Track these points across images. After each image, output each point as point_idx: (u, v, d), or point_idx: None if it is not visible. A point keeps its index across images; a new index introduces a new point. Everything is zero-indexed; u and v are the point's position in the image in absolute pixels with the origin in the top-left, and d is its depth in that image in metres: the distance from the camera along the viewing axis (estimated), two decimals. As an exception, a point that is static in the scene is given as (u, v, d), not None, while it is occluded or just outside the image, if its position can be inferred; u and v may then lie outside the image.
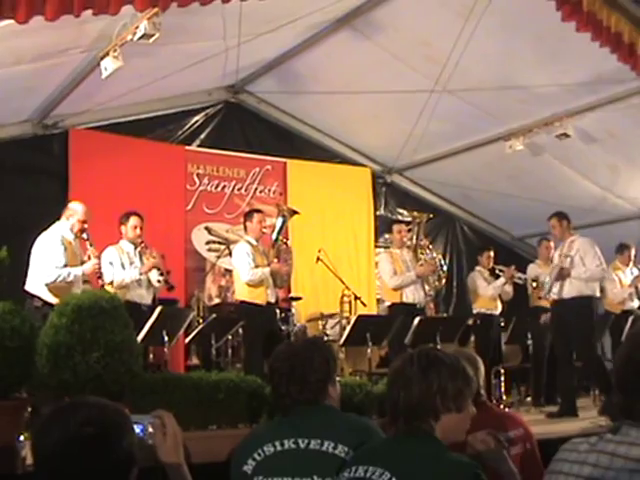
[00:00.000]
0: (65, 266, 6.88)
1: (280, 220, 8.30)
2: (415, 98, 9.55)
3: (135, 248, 7.59)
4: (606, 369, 7.50)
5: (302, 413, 2.96)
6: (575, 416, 7.27)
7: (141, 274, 7.41)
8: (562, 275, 7.84)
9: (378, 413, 4.80)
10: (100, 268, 7.03)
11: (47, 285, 6.79)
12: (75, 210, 7.18)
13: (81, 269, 6.94)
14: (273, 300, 7.81)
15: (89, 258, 7.01)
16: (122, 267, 7.42)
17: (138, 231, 7.55)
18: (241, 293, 7.81)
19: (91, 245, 7.07)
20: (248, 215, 8.15)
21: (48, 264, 6.82)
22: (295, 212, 8.59)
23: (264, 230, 8.02)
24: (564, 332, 7.83)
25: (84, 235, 7.09)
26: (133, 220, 7.57)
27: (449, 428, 2.60)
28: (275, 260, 7.84)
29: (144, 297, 7.45)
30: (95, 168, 9.50)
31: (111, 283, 7.25)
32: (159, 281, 7.52)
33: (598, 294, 7.96)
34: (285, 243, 8.48)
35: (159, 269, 7.46)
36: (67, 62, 8.03)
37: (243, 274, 7.66)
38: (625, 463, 1.74)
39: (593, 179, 10.88)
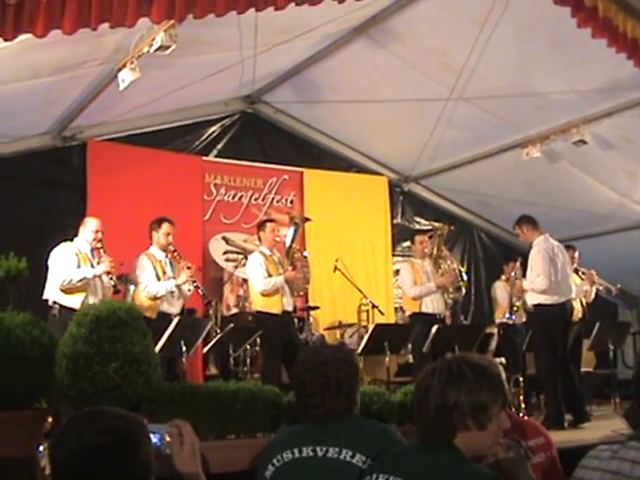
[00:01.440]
0: None
1: (292, 229, 8.31)
2: (431, 106, 9.56)
3: (166, 256, 7.61)
4: (555, 381, 7.41)
5: (325, 421, 2.97)
6: (562, 427, 7.09)
7: (177, 286, 7.44)
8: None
9: (397, 422, 4.77)
10: (112, 269, 7.04)
11: (61, 288, 6.89)
12: (88, 222, 7.33)
13: (92, 271, 7.01)
14: (290, 309, 7.81)
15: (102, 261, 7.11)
16: (157, 278, 7.43)
17: (170, 238, 7.58)
18: (257, 303, 7.84)
19: (105, 252, 7.14)
20: (261, 225, 8.16)
21: (61, 271, 6.93)
22: (307, 219, 8.60)
23: (277, 239, 8.02)
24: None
25: (98, 244, 7.17)
26: (165, 227, 7.58)
27: (469, 445, 2.54)
28: (290, 268, 7.84)
29: (176, 308, 7.47)
30: (113, 179, 9.56)
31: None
32: (190, 290, 7.54)
33: (559, 300, 7.58)
34: (300, 251, 8.47)
35: (195, 282, 7.48)
36: (85, 75, 8.09)
37: (256, 284, 7.69)
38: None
39: (611, 185, 10.82)
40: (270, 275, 7.69)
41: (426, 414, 2.58)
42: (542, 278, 7.47)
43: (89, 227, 7.24)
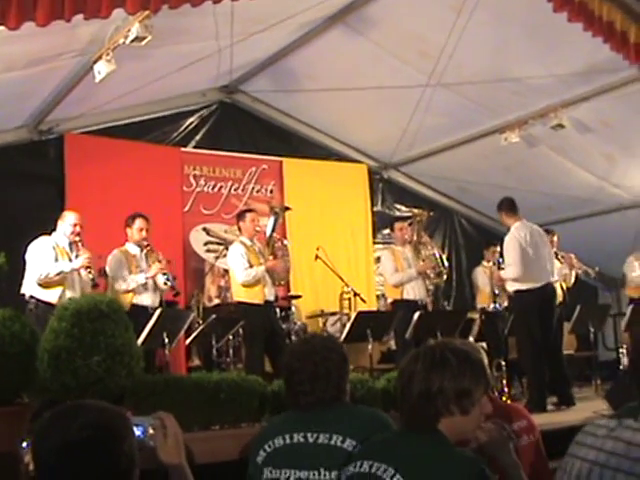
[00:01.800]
0: None
1: (272, 218, 8.25)
2: (410, 93, 9.56)
3: (141, 250, 7.60)
4: (538, 363, 7.45)
5: (315, 409, 3.00)
6: (544, 410, 7.13)
7: (147, 279, 7.43)
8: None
9: (381, 408, 4.79)
10: (90, 263, 7.02)
11: (38, 282, 6.86)
12: (66, 216, 7.29)
13: (70, 264, 6.99)
14: (272, 298, 7.77)
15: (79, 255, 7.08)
16: (128, 272, 7.44)
17: (144, 233, 7.57)
18: (238, 293, 7.78)
19: (83, 246, 7.11)
20: (241, 215, 8.10)
21: (38, 265, 6.90)
22: (287, 208, 8.53)
23: (257, 229, 7.98)
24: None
25: (77, 238, 7.14)
26: (139, 222, 7.58)
27: (453, 430, 2.57)
28: (271, 258, 7.81)
29: (151, 300, 7.45)
30: (91, 172, 9.52)
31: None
32: (165, 283, 7.53)
33: (535, 285, 7.56)
34: (280, 240, 8.43)
35: (165, 274, 7.46)
36: (60, 67, 8.03)
37: (238, 275, 7.64)
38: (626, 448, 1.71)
39: (589, 169, 10.88)
40: (251, 265, 7.65)
41: (410, 400, 2.60)
42: (512, 268, 7.54)
43: (67, 221, 7.22)
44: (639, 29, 7.33)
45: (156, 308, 7.21)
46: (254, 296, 7.64)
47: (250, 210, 8.31)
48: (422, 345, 2.81)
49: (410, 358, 2.68)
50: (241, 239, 7.93)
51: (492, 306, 9.11)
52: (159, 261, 7.46)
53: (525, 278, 7.52)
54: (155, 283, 7.53)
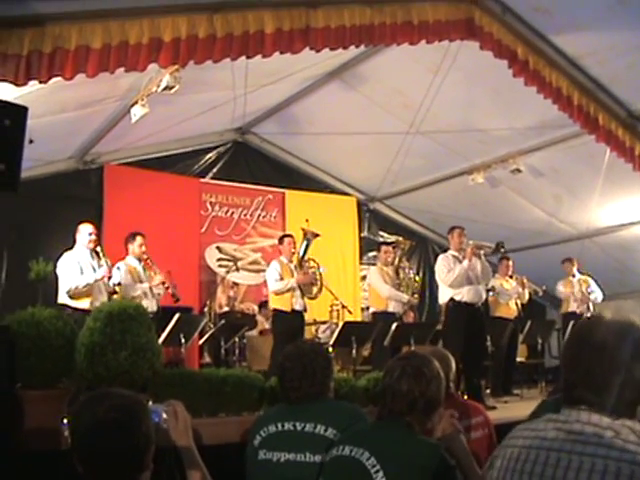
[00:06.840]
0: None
1: (305, 242, 8.18)
2: (393, 138, 9.62)
3: (139, 263, 7.51)
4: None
5: (302, 402, 3.03)
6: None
7: (150, 288, 7.35)
8: None
9: (361, 404, 4.81)
10: (110, 273, 6.91)
11: (68, 294, 6.71)
12: (81, 229, 7.09)
13: (94, 275, 6.79)
14: (299, 308, 7.74)
15: (99, 266, 6.91)
16: (133, 282, 7.32)
17: (143, 248, 7.50)
18: (272, 302, 7.92)
19: (104, 256, 6.92)
20: (281, 240, 8.18)
21: (67, 280, 6.76)
22: (317, 235, 8.45)
23: (293, 251, 8.00)
24: None
25: (92, 245, 6.98)
26: (139, 239, 7.51)
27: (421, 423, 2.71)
28: (301, 275, 7.82)
29: (149, 306, 7.14)
30: (125, 197, 9.58)
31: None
32: (159, 294, 7.43)
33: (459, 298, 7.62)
34: (311, 260, 8.37)
35: (164, 283, 7.41)
36: (103, 110, 8.11)
37: (270, 285, 7.77)
38: (567, 435, 1.67)
39: (541, 207, 10.97)
40: (282, 279, 7.73)
41: (389, 398, 2.70)
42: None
43: (84, 232, 7.03)
44: (581, 94, 7.48)
45: (154, 312, 7.07)
46: (284, 304, 7.69)
47: (288, 235, 8.33)
48: (401, 356, 2.94)
49: (391, 374, 2.76)
50: (280, 258, 8.02)
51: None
52: (158, 273, 7.38)
53: None
54: (152, 291, 7.40)
